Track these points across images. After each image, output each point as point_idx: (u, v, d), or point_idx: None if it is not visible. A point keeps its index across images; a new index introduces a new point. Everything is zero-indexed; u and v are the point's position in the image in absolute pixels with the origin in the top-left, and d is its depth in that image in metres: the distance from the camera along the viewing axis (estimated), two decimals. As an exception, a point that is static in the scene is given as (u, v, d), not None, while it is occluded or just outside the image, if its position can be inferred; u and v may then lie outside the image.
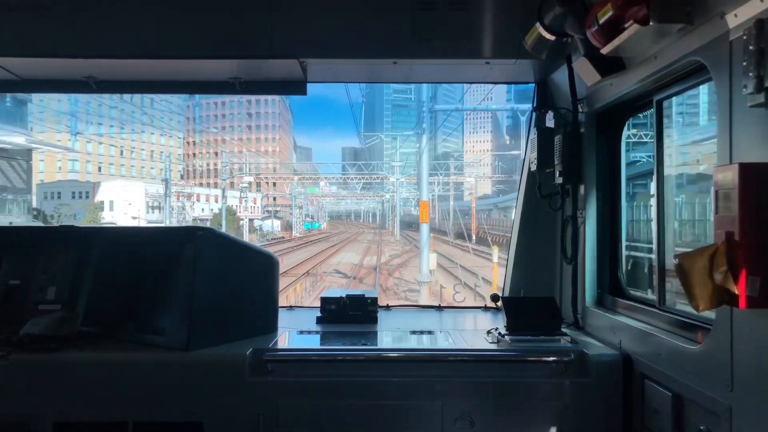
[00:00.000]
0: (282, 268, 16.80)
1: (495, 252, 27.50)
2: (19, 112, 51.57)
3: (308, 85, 4.43)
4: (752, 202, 2.15)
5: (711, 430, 2.56)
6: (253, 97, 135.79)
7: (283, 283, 21.22)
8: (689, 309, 2.67)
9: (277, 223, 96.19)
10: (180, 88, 4.62)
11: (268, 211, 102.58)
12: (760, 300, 2.14)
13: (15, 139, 48.06)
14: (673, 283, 3.21)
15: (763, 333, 2.20)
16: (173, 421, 3.36)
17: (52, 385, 3.33)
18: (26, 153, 49.99)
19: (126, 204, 76.44)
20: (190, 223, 56.58)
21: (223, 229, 64.06)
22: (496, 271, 25.14)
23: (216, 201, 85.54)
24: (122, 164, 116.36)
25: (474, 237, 46.69)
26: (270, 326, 3.89)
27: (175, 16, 3.87)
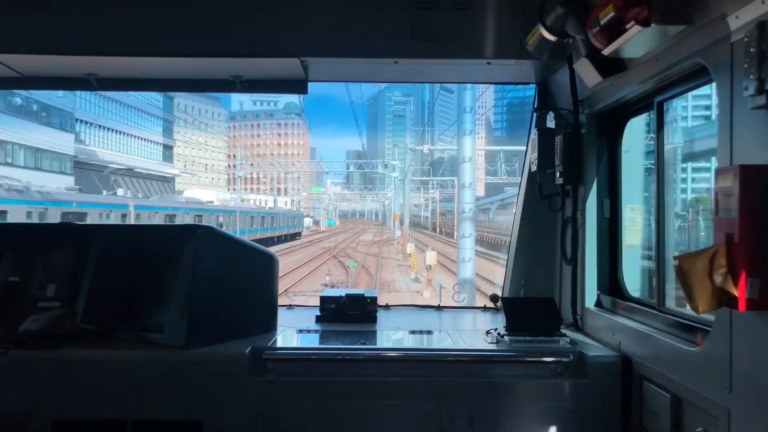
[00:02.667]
0: (342, 237, 77.41)
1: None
2: (171, 153, 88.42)
3: (309, 83, 4.44)
4: (752, 204, 2.14)
5: (709, 431, 2.56)
6: (282, 121, 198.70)
7: (348, 241, 65.67)
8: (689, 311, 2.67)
9: (309, 221, 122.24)
10: (181, 87, 4.62)
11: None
12: (760, 302, 2.14)
13: (171, 170, 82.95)
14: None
15: (762, 335, 2.20)
16: (172, 420, 3.36)
17: (51, 383, 3.33)
18: (172, 178, 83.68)
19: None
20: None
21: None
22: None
23: (257, 203, 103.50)
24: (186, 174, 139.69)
25: (438, 230, 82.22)
26: (269, 325, 3.89)
27: (176, 14, 3.87)
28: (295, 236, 72.62)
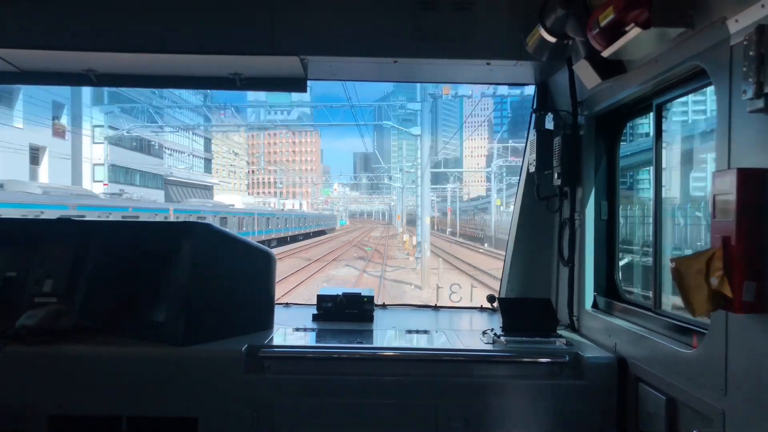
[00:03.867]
0: (356, 234, 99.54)
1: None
2: (209, 165, 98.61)
3: (309, 82, 4.43)
4: (749, 208, 2.15)
5: None
6: (296, 130, 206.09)
7: (361, 237, 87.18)
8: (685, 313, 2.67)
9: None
10: (180, 83, 4.60)
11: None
12: (756, 305, 2.14)
13: (210, 179, 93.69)
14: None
15: (758, 338, 2.21)
16: (167, 416, 3.36)
17: (48, 378, 3.33)
18: (210, 187, 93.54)
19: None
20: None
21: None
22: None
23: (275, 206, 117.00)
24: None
25: (434, 227, 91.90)
26: (266, 323, 3.89)
27: (176, 11, 3.86)
28: (333, 229, 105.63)
